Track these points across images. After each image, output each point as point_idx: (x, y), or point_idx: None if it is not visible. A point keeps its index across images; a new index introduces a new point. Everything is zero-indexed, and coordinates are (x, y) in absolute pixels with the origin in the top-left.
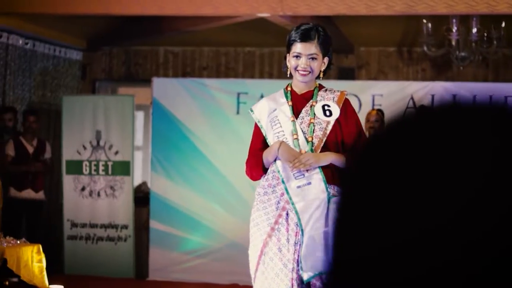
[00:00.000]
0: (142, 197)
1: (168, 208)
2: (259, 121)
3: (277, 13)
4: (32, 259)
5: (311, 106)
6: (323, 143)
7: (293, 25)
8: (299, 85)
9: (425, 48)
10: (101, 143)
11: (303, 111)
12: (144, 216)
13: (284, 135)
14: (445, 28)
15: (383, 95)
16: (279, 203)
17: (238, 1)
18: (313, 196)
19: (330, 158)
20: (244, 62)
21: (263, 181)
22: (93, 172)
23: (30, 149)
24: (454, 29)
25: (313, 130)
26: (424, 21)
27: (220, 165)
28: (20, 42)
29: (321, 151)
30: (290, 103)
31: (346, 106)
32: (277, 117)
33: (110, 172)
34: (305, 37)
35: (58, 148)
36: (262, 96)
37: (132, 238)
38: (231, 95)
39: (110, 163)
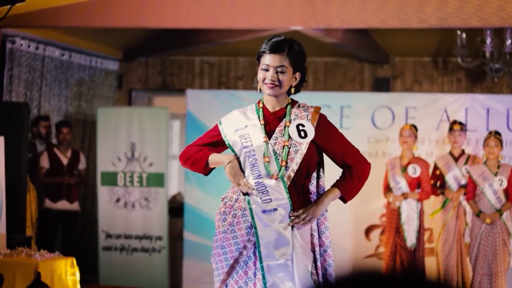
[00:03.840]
0: (177, 207)
1: (201, 219)
2: (225, 136)
3: (311, 26)
4: (66, 272)
5: (285, 127)
6: (297, 166)
7: (326, 37)
8: (270, 101)
9: (459, 60)
10: (136, 155)
11: (276, 131)
12: (178, 227)
13: (254, 155)
14: (479, 39)
15: (417, 108)
16: (250, 228)
17: (271, 14)
18: (277, 224)
19: (327, 202)
20: None
21: (231, 203)
22: (127, 183)
23: (64, 161)
24: (488, 41)
25: (288, 153)
26: (458, 32)
27: None
28: (57, 53)
29: (295, 175)
30: (262, 122)
31: (322, 124)
32: (248, 134)
33: (144, 183)
34: (274, 49)
35: (93, 159)
36: None
37: (166, 249)
38: None
39: (144, 175)
